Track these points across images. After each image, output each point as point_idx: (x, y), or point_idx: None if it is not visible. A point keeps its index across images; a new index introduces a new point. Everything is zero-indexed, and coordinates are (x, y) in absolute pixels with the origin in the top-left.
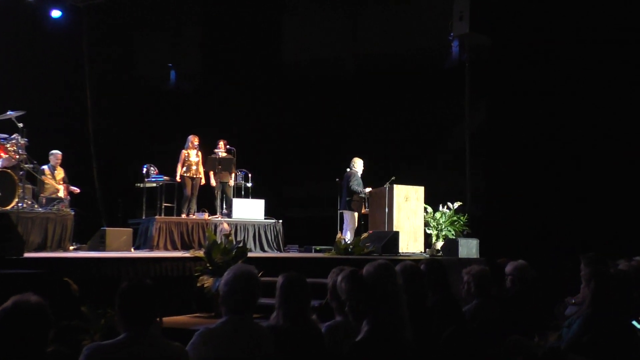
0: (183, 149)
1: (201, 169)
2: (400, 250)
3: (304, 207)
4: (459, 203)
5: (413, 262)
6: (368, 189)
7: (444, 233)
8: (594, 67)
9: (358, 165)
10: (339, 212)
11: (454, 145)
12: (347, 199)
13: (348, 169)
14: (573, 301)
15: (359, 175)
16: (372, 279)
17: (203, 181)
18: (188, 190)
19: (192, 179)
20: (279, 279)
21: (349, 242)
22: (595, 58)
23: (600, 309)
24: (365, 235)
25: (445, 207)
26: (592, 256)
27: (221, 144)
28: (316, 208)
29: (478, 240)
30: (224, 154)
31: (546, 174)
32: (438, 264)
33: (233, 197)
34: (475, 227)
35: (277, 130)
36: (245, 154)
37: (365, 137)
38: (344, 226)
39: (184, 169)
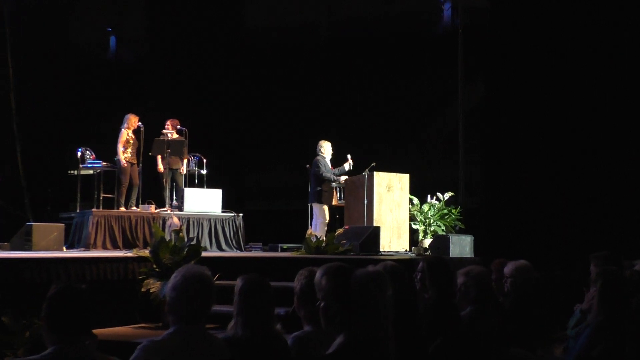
0: (122, 128)
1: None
2: (381, 249)
3: (269, 199)
4: (451, 194)
5: (395, 263)
6: (344, 178)
7: (432, 229)
8: (616, 32)
9: (326, 149)
10: (309, 205)
11: (445, 126)
12: (317, 189)
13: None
14: (580, 308)
15: (328, 161)
16: (359, 288)
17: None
18: (126, 178)
19: (131, 164)
20: (238, 282)
21: (321, 239)
22: (620, 18)
23: (612, 317)
24: (340, 231)
25: (435, 198)
26: (603, 255)
27: (170, 123)
28: (283, 200)
29: (472, 237)
30: (174, 136)
31: (553, 161)
32: (441, 262)
33: (185, 186)
34: (469, 221)
35: (237, 108)
36: (199, 135)
37: (341, 116)
38: (313, 221)
39: (122, 152)
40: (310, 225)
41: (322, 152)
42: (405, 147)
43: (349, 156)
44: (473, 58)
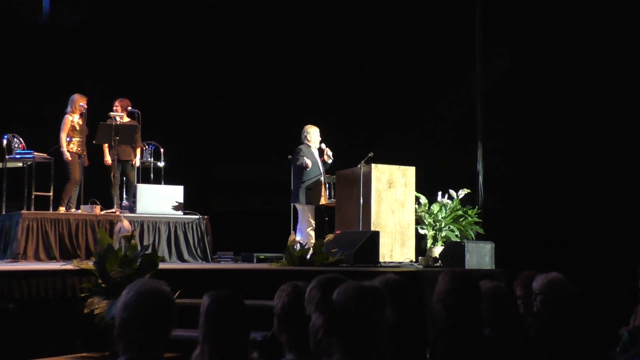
0: (66, 113)
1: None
2: (380, 259)
3: (242, 197)
4: (466, 191)
5: (397, 277)
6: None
7: (444, 234)
8: None
9: (312, 135)
10: (291, 205)
11: (459, 107)
12: (301, 185)
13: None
14: (629, 330)
15: (315, 151)
16: (346, 308)
17: (87, 161)
18: (76, 173)
19: (79, 156)
20: (204, 301)
21: (306, 247)
22: None
23: None
24: (330, 237)
25: (447, 196)
26: None
27: (119, 104)
28: (261, 198)
29: (493, 245)
30: (124, 119)
31: (596, 151)
32: (465, 276)
33: (137, 182)
34: (490, 225)
35: (203, 85)
36: (156, 118)
37: (332, 97)
38: (298, 225)
39: (67, 141)
40: (294, 229)
41: (307, 140)
42: (411, 133)
43: (323, 145)
44: (495, 18)
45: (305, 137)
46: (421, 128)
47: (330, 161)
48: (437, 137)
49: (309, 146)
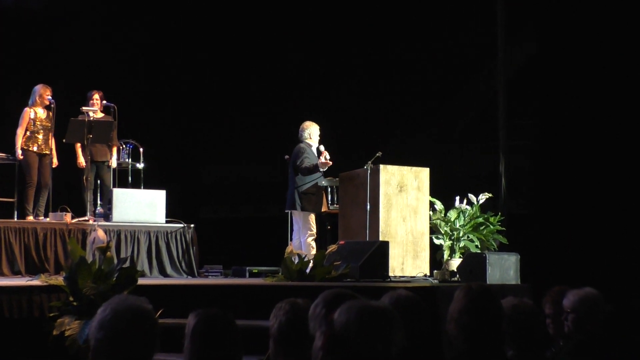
0: (27, 105)
1: (53, 142)
2: (390, 273)
3: (233, 203)
4: (488, 195)
5: (410, 293)
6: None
7: (462, 244)
8: None
9: (313, 133)
10: (287, 212)
11: (479, 100)
12: (299, 189)
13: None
14: None
15: (314, 150)
16: (350, 331)
17: (56, 161)
18: (34, 175)
19: (41, 156)
20: (190, 321)
21: (306, 259)
22: None
23: None
24: (332, 248)
25: (465, 201)
26: None
27: (94, 97)
28: (254, 204)
29: (518, 256)
30: (98, 115)
31: (635, 149)
32: (485, 293)
33: (114, 186)
34: (515, 234)
35: (188, 75)
36: (134, 114)
37: (335, 90)
38: (294, 234)
39: (27, 138)
40: (291, 239)
41: (307, 138)
42: (424, 130)
43: (322, 147)
44: (519, 4)
45: (303, 134)
46: (436, 124)
47: (325, 168)
48: (454, 135)
49: (310, 145)
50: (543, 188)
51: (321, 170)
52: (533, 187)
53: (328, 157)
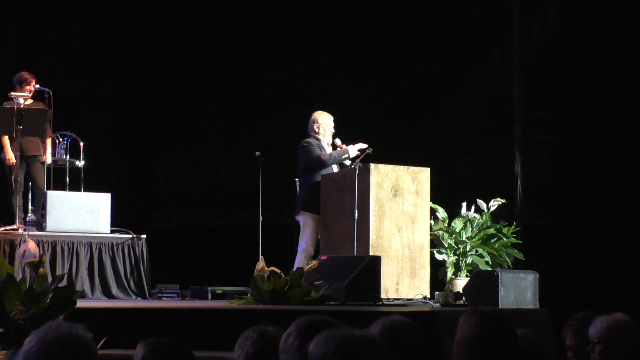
0: None
1: None
2: (383, 295)
3: (193, 209)
4: (501, 201)
5: (406, 320)
6: (355, 149)
7: (469, 260)
8: None
9: (325, 124)
10: (295, 218)
11: (490, 87)
12: (303, 189)
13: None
14: None
15: (325, 146)
16: None
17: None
18: None
19: None
20: (138, 352)
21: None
22: None
23: None
24: (312, 264)
25: (474, 208)
26: None
27: (26, 81)
28: (218, 210)
29: (537, 275)
30: (28, 101)
31: None
32: (498, 320)
33: (48, 187)
34: (532, 248)
35: (141, 59)
36: (74, 101)
37: (318, 77)
38: (301, 245)
39: None
40: (298, 249)
41: (317, 131)
42: (424, 122)
43: (338, 141)
44: None
45: (314, 126)
46: (439, 115)
47: (348, 162)
48: (460, 128)
49: (319, 139)
50: (567, 192)
51: (350, 157)
52: (555, 191)
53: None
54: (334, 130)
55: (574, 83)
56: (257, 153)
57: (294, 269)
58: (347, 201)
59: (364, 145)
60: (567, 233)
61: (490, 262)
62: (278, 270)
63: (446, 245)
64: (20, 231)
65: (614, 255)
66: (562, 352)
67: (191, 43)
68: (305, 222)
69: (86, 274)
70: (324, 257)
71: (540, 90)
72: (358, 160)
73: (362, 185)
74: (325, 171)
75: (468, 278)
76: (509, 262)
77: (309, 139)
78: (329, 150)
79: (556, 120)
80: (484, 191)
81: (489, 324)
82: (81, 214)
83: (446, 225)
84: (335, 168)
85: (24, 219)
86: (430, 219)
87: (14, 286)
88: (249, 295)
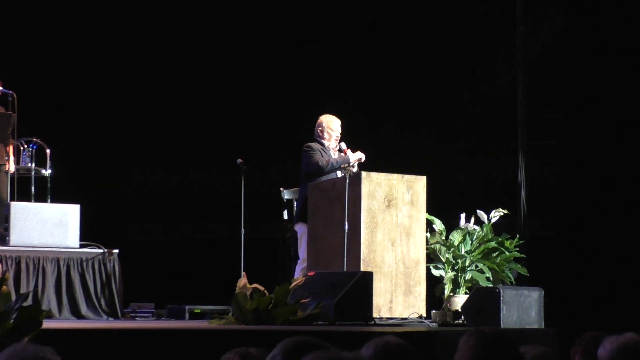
0: None
1: None
2: (375, 314)
3: (170, 222)
4: (503, 212)
5: (401, 341)
6: (355, 157)
7: (469, 276)
8: None
9: (325, 128)
10: (294, 227)
11: (492, 88)
12: (305, 197)
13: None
14: None
15: (331, 151)
16: None
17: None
18: None
19: None
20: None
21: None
22: None
23: None
24: (299, 280)
25: (473, 219)
26: None
27: None
28: (197, 222)
29: (542, 292)
30: None
31: None
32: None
33: (12, 199)
34: (537, 263)
35: (111, 57)
36: (41, 105)
37: (305, 77)
38: (300, 255)
39: None
40: (297, 261)
41: (321, 135)
42: (420, 127)
43: (343, 145)
44: None
45: (318, 130)
46: (436, 119)
47: (355, 169)
48: (458, 132)
49: (323, 144)
50: (575, 202)
51: (349, 165)
52: (562, 201)
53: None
54: (339, 135)
55: (583, 84)
56: (239, 160)
57: (298, 273)
58: (337, 212)
59: (363, 156)
60: (575, 246)
61: (491, 278)
62: (261, 288)
63: (444, 260)
64: None
65: (625, 271)
66: None
67: (166, 41)
68: (303, 233)
69: (53, 292)
70: (311, 273)
71: (546, 90)
72: (350, 167)
73: (353, 195)
74: (325, 178)
75: (467, 295)
76: (512, 278)
77: (310, 143)
78: (334, 155)
79: (563, 124)
80: (484, 201)
81: (490, 345)
82: (48, 227)
83: (444, 238)
84: (339, 174)
85: None
86: (427, 232)
87: None
88: (230, 314)
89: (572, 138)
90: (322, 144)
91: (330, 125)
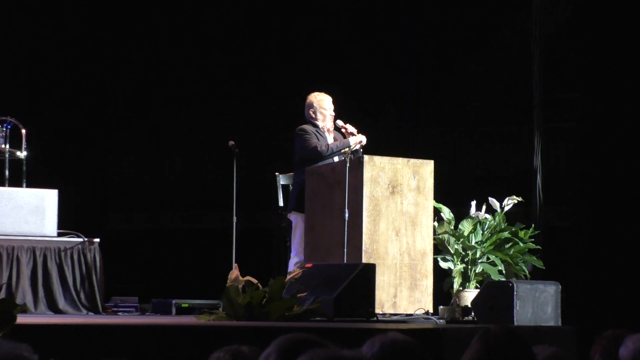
0: None
1: None
2: (378, 310)
3: (155, 209)
4: (517, 199)
5: (406, 338)
6: (356, 140)
7: (480, 269)
8: None
9: (317, 108)
10: (287, 216)
11: (504, 67)
12: (296, 184)
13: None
14: None
15: (326, 133)
16: None
17: None
18: None
19: None
20: None
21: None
22: None
23: None
24: (296, 272)
25: (485, 208)
26: None
27: None
28: (185, 210)
29: (559, 287)
30: None
31: None
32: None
33: None
34: (554, 255)
35: (92, 31)
36: (14, 81)
37: (301, 55)
38: (293, 247)
39: None
40: (290, 254)
41: (313, 116)
42: (428, 107)
43: (340, 122)
44: None
45: (310, 112)
46: (445, 99)
47: (359, 146)
48: (468, 114)
49: (317, 126)
50: (594, 189)
51: (350, 150)
52: (581, 187)
53: (354, 130)
54: (334, 113)
55: (603, 61)
56: (231, 142)
57: (292, 265)
58: (337, 199)
59: (364, 139)
60: (594, 237)
61: (504, 272)
62: (255, 281)
63: (452, 252)
64: None
65: None
66: None
67: (149, 20)
68: (297, 224)
69: (28, 284)
70: (308, 265)
71: (564, 68)
72: (349, 151)
73: (354, 181)
74: (323, 163)
75: (478, 290)
76: (526, 272)
77: (304, 126)
78: (330, 139)
79: (583, 104)
80: (497, 188)
81: (501, 345)
82: (23, 213)
83: (452, 227)
84: (336, 158)
85: None
86: (434, 221)
87: None
88: (220, 309)
89: (592, 120)
90: (317, 126)
91: (322, 104)
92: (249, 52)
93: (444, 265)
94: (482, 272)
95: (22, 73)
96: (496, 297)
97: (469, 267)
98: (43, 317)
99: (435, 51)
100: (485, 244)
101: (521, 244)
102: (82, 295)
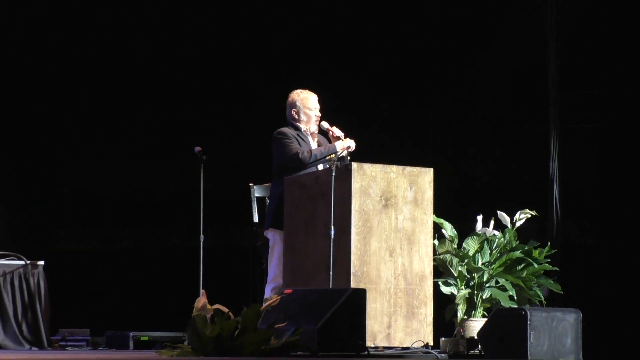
0: None
1: None
2: (369, 342)
3: (111, 227)
4: (530, 213)
5: None
6: (343, 145)
7: (487, 294)
8: None
9: (300, 108)
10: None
11: (515, 59)
12: (274, 197)
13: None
14: None
15: (309, 138)
16: None
17: None
18: None
19: None
20: None
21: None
22: None
23: None
24: (273, 299)
25: (493, 223)
26: None
27: None
28: (143, 228)
29: (579, 315)
30: None
31: None
32: None
33: None
34: (574, 277)
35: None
36: None
37: (281, 50)
38: (271, 269)
39: None
40: (267, 278)
41: (296, 117)
42: (427, 107)
43: (325, 124)
44: None
45: (292, 112)
46: (447, 97)
47: (346, 152)
48: (474, 115)
49: (299, 128)
50: (621, 200)
51: (336, 156)
52: (605, 198)
53: (341, 134)
54: (319, 114)
55: (628, 53)
56: (197, 148)
57: (269, 289)
58: (321, 214)
59: (352, 144)
60: (621, 256)
61: (515, 297)
62: (225, 309)
63: (456, 274)
64: None
65: None
66: None
67: (106, 21)
68: (275, 242)
69: None
70: (288, 291)
71: (583, 61)
72: (335, 157)
73: (341, 193)
74: (305, 172)
75: (485, 319)
76: (542, 297)
77: (283, 129)
78: (313, 144)
79: (604, 103)
80: (507, 200)
81: None
82: None
83: (455, 246)
84: (321, 167)
85: None
86: (434, 239)
87: None
88: (185, 343)
89: (615, 119)
90: (299, 129)
91: (307, 103)
92: (218, 45)
93: (445, 290)
94: (490, 298)
95: None
96: (507, 327)
97: (475, 292)
98: None
99: (437, 42)
100: (493, 266)
101: (535, 265)
102: (24, 327)
